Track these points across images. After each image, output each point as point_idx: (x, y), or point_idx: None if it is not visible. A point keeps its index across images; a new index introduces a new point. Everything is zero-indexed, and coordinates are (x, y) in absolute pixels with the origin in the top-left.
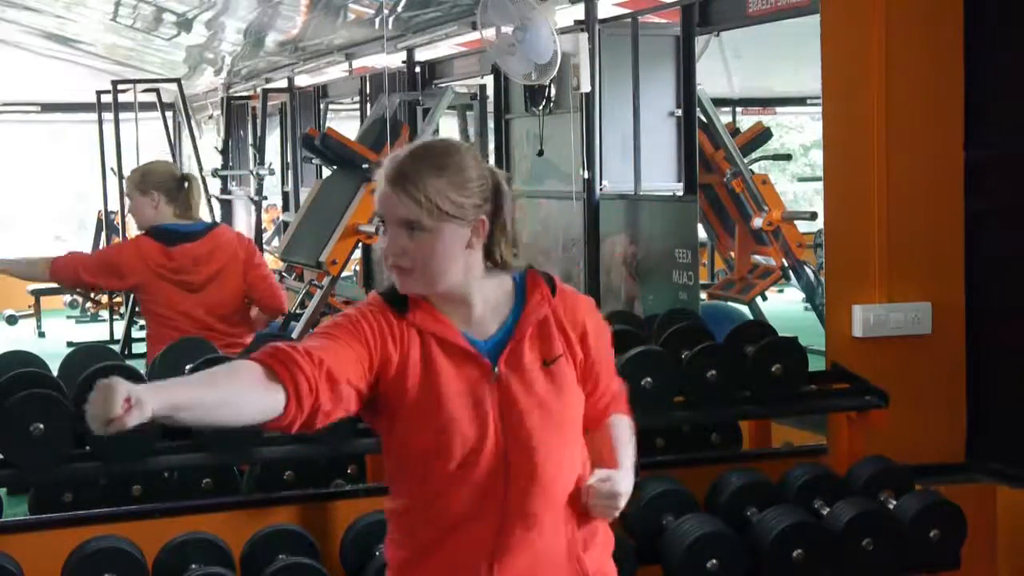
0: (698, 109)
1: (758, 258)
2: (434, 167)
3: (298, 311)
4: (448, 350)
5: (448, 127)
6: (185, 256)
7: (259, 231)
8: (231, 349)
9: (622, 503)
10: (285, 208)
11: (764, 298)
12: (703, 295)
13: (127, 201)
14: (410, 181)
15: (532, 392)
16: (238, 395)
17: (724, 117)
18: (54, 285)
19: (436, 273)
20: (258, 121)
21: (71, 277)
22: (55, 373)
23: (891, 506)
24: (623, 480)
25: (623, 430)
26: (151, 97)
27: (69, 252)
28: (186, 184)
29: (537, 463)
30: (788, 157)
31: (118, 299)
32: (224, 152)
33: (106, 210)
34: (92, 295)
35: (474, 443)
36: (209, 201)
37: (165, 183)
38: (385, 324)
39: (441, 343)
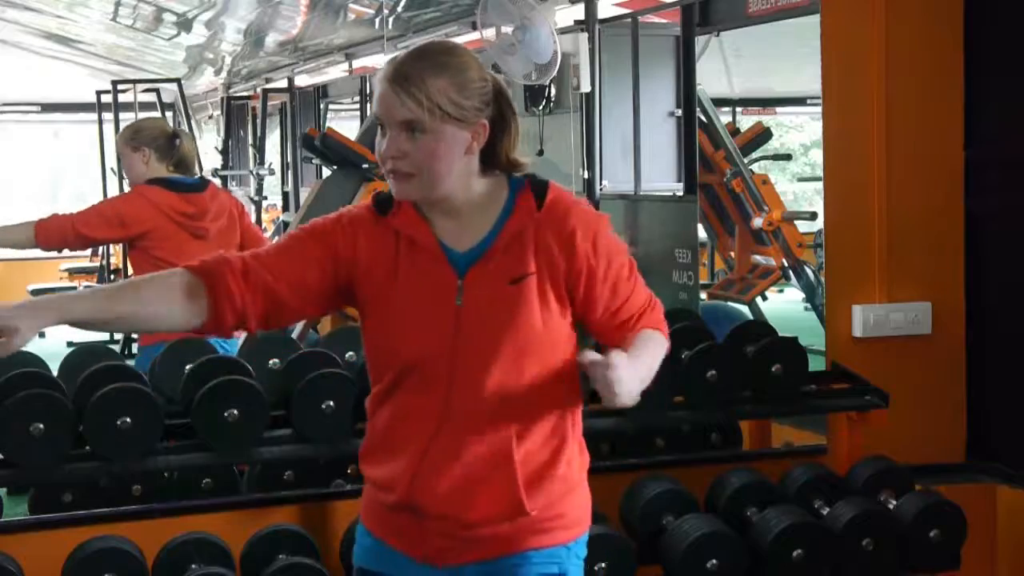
0: (698, 109)
1: (758, 258)
2: (435, 66)
3: None
4: (419, 254)
5: None
6: (201, 203)
7: None
8: None
9: (617, 377)
10: (285, 208)
11: (764, 298)
12: (703, 295)
13: (119, 158)
14: (411, 81)
15: (492, 309)
16: (151, 306)
17: (724, 117)
18: (54, 284)
19: (436, 177)
20: (258, 121)
21: (61, 236)
22: (55, 373)
23: (891, 506)
24: (624, 361)
25: (647, 338)
26: (151, 97)
27: (52, 214)
28: (178, 141)
29: (481, 379)
30: (788, 157)
31: None
32: (224, 152)
33: None
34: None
35: (426, 347)
36: None
37: (156, 139)
38: (359, 225)
39: (413, 246)
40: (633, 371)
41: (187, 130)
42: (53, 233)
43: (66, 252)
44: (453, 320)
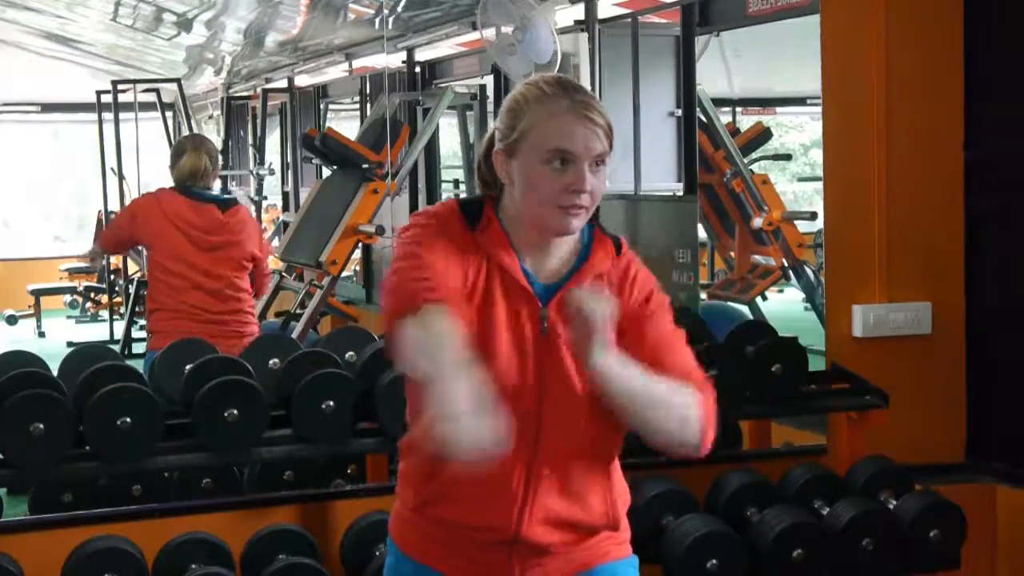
0: (698, 109)
1: (758, 258)
2: (596, 99)
3: (298, 311)
4: (507, 281)
5: (448, 127)
6: (211, 216)
7: None
8: (230, 327)
9: (586, 311)
10: (285, 208)
11: (764, 298)
12: (703, 295)
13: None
14: (599, 112)
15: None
16: None
17: (724, 117)
18: (54, 284)
19: (592, 210)
20: (258, 121)
21: (115, 242)
22: (55, 373)
23: (891, 506)
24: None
25: (676, 384)
26: (151, 97)
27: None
28: (182, 158)
29: (569, 411)
30: (788, 157)
31: (118, 299)
32: (224, 152)
33: (106, 210)
34: (93, 296)
35: (514, 383)
36: None
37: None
38: (449, 243)
39: (502, 272)
40: (621, 361)
41: (188, 131)
42: (109, 242)
43: (66, 252)
44: (536, 352)
